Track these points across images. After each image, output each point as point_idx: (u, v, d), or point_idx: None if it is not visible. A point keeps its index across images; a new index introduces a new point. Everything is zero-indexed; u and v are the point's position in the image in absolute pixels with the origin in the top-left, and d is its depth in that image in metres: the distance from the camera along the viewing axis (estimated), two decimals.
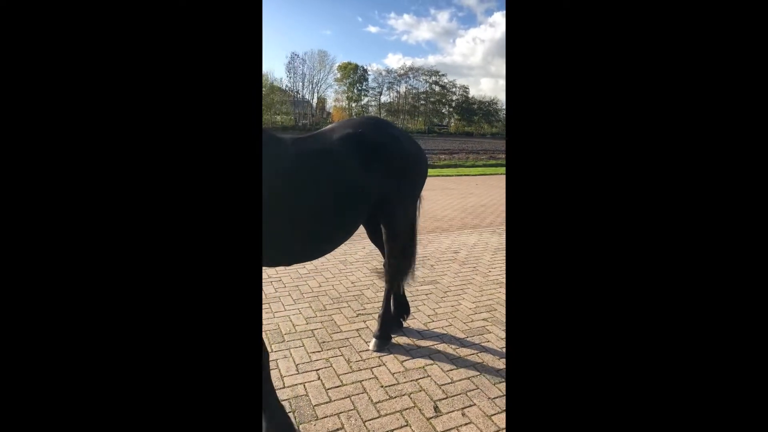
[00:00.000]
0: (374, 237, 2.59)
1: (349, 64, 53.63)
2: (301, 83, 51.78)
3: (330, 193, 1.83)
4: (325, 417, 1.85)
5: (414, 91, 55.51)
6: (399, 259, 2.46)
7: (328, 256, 4.42)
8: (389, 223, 2.28)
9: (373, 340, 2.46)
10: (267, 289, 3.37)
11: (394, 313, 2.60)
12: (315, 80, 52.58)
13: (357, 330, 2.69)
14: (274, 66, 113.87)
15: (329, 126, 2.14)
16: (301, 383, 2.09)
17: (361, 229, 2.58)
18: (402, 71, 55.30)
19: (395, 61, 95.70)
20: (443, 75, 56.87)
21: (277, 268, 3.92)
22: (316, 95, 52.92)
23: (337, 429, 1.77)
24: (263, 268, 1.76)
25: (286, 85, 50.34)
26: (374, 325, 2.74)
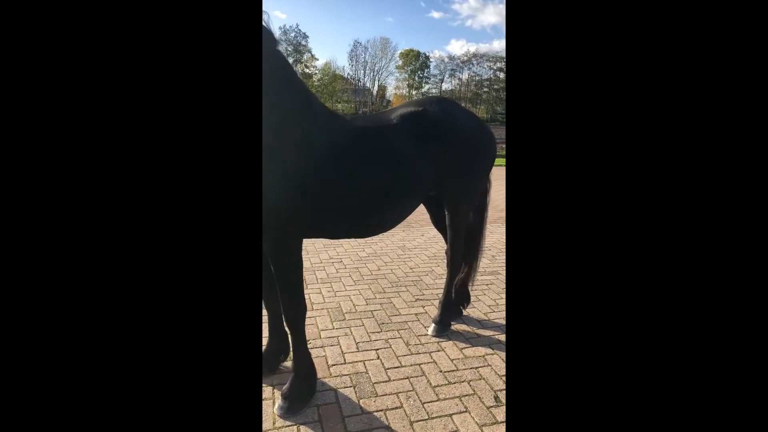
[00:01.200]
0: (437, 222, 2.56)
1: (411, 51, 52.99)
2: (362, 71, 52.19)
3: (380, 170, 1.80)
4: (384, 395, 1.88)
5: (477, 78, 53.64)
6: (461, 246, 2.40)
7: (386, 241, 4.47)
8: (451, 207, 2.23)
9: (433, 325, 2.45)
10: (329, 270, 3.48)
11: (454, 301, 2.57)
12: (377, 68, 52.71)
13: (416, 314, 2.70)
14: (337, 54, 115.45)
15: (396, 107, 2.13)
16: (361, 361, 2.15)
17: (421, 216, 2.57)
18: (465, 57, 53.69)
19: (458, 48, 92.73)
20: None
21: (338, 250, 4.04)
22: (377, 83, 53.15)
23: (396, 407, 1.80)
24: (324, 241, 1.78)
25: (348, 74, 50.99)
26: (433, 311, 2.74)
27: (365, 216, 1.83)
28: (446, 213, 2.26)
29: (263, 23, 1.52)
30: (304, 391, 1.78)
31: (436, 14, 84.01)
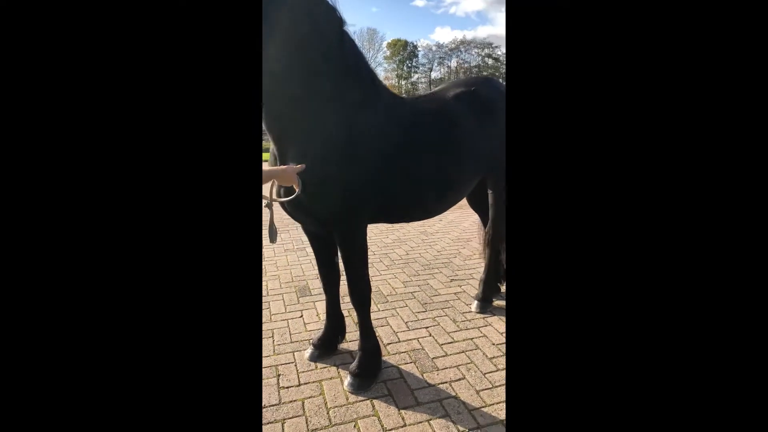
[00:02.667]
0: (476, 203, 2.61)
1: (399, 40, 52.58)
2: None
3: (445, 153, 1.83)
4: (445, 368, 1.95)
5: (465, 65, 53.49)
6: (503, 226, 2.46)
7: (407, 228, 4.52)
8: (497, 186, 2.27)
9: (475, 302, 2.52)
10: None
11: (494, 278, 2.64)
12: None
13: (455, 294, 2.77)
14: None
15: (441, 86, 2.16)
16: (414, 338, 2.21)
17: None
18: (453, 45, 53.43)
19: (444, 35, 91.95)
20: (496, 47, 53.87)
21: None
22: None
23: (459, 379, 1.87)
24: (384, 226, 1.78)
25: None
26: (470, 290, 2.81)
27: (430, 199, 1.86)
28: (490, 192, 2.32)
29: (328, 1, 1.51)
30: (372, 367, 1.84)
31: (419, 2, 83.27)
